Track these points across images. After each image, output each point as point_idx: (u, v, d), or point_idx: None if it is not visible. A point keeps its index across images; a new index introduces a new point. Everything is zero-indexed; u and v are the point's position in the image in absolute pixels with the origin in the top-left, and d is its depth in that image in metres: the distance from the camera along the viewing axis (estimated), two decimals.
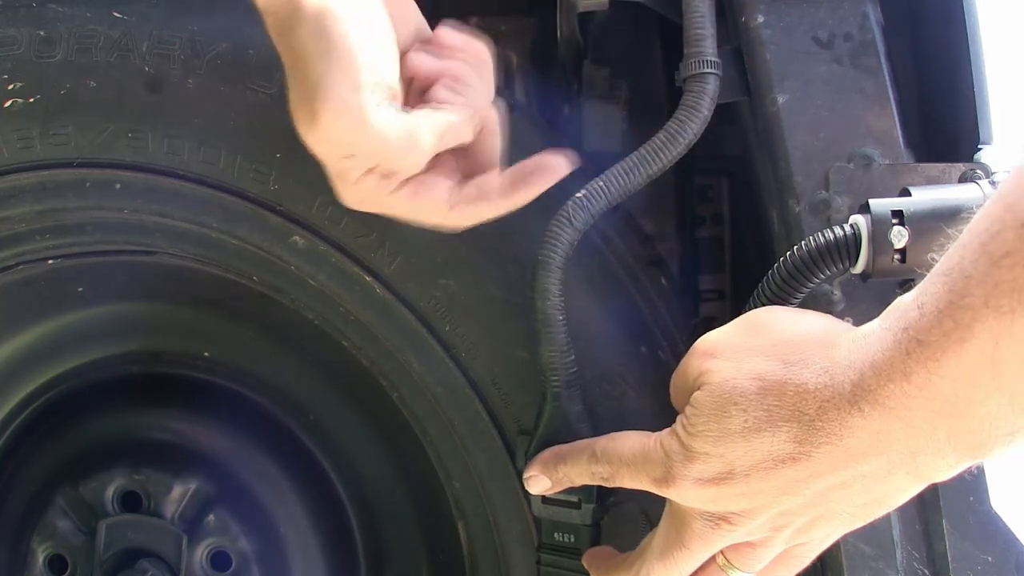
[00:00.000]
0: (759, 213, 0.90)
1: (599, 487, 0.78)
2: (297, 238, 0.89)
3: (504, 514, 0.92)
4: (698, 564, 0.69)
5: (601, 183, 0.79)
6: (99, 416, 1.19)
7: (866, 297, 0.77)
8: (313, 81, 0.65)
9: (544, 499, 0.80)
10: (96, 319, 1.16)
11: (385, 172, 0.70)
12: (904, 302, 0.56)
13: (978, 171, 0.76)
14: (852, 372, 0.57)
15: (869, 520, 0.65)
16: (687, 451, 0.64)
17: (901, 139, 0.79)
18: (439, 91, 0.72)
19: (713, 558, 0.69)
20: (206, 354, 1.18)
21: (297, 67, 0.67)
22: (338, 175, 0.71)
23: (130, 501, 1.11)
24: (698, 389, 0.65)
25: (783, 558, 0.69)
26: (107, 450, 1.15)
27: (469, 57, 0.75)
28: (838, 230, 0.72)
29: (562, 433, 0.79)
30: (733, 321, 0.68)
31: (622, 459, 0.69)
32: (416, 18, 0.76)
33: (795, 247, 0.73)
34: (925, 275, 0.55)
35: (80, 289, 1.12)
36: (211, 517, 1.11)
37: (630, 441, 0.69)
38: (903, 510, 0.79)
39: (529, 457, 0.80)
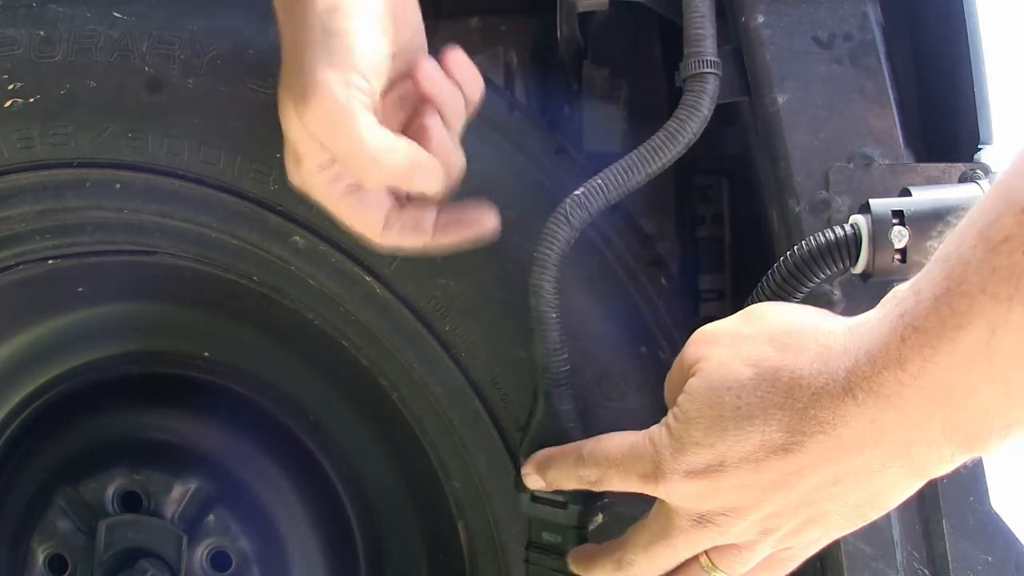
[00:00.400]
0: (759, 213, 0.90)
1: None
2: (297, 238, 0.89)
3: (504, 514, 0.93)
4: (680, 560, 0.68)
5: (600, 181, 0.78)
6: (99, 416, 1.19)
7: (866, 297, 0.77)
8: (308, 65, 0.67)
9: (533, 497, 0.79)
10: (96, 319, 1.16)
11: (340, 172, 0.72)
12: (901, 289, 0.55)
13: (978, 171, 0.76)
14: (847, 359, 0.56)
15: (860, 524, 0.64)
16: (677, 441, 0.63)
17: (901, 139, 0.79)
18: (431, 118, 0.74)
19: (696, 558, 0.68)
20: (206, 354, 1.18)
21: (295, 45, 0.69)
22: (296, 156, 0.72)
23: (130, 501, 1.11)
24: (692, 376, 0.64)
25: (768, 562, 0.68)
26: (107, 450, 1.15)
27: (468, 91, 0.76)
28: (838, 230, 0.72)
29: (552, 432, 0.79)
30: (733, 315, 0.68)
31: (609, 460, 0.68)
32: (416, 21, 0.76)
33: (795, 247, 0.73)
34: None
35: (80, 289, 1.12)
36: (211, 517, 1.11)
37: (617, 440, 0.68)
38: (903, 510, 0.79)
39: (522, 455, 0.79)
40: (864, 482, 0.59)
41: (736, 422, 0.60)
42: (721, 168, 1.08)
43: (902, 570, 0.79)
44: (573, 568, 0.77)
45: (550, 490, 0.76)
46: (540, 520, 0.80)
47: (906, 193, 0.74)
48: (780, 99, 0.80)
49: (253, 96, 0.84)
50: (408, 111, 0.76)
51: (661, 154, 0.78)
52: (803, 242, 0.73)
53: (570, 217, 0.77)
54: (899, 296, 0.55)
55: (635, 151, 0.79)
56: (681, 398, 0.64)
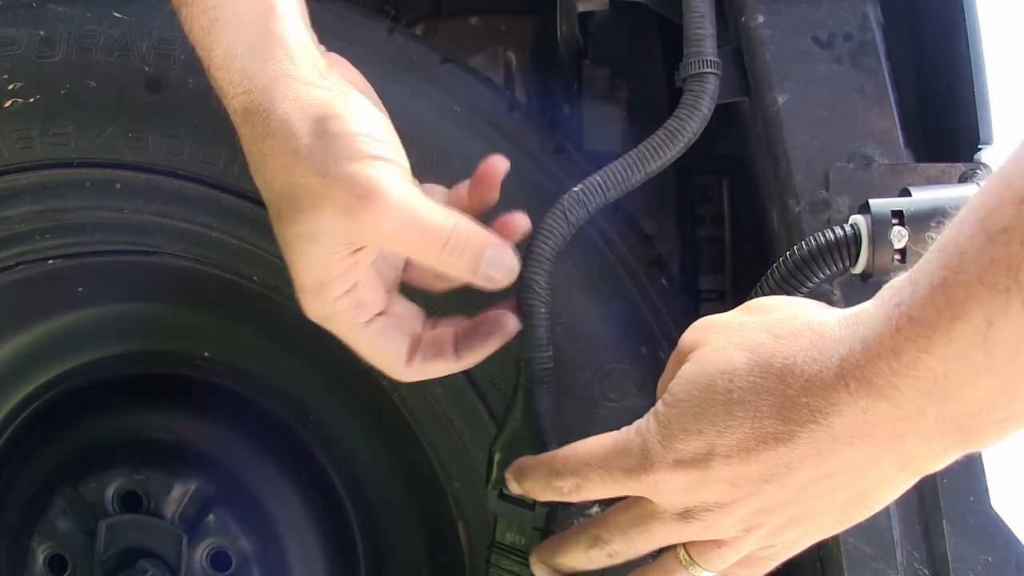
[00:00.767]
0: (759, 213, 0.90)
1: None
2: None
3: None
4: (656, 547, 0.66)
5: (599, 179, 0.78)
6: (99, 416, 1.19)
7: (866, 297, 0.76)
8: (345, 176, 0.65)
9: (501, 494, 0.76)
10: (96, 319, 1.16)
11: (364, 300, 0.70)
12: (898, 279, 0.54)
13: (978, 171, 0.76)
14: (841, 348, 0.55)
15: (846, 525, 0.63)
16: (665, 428, 0.61)
17: (901, 139, 0.79)
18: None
19: (675, 551, 0.66)
20: (206, 354, 1.18)
21: (291, 168, 0.67)
22: (320, 284, 0.69)
23: (130, 501, 1.11)
24: (687, 363, 0.63)
25: (747, 559, 0.66)
26: (107, 450, 1.15)
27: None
28: (838, 230, 0.72)
29: (527, 430, 0.76)
30: (734, 309, 0.67)
31: (588, 463, 0.65)
32: (372, 93, 0.77)
33: (795, 247, 0.73)
34: None
35: (80, 289, 1.12)
36: (211, 517, 1.11)
37: (597, 441, 0.66)
38: (903, 510, 0.79)
39: (495, 451, 0.76)
40: (855, 478, 0.58)
41: (727, 407, 0.59)
42: (721, 168, 1.08)
43: (902, 570, 0.79)
44: (539, 555, 0.74)
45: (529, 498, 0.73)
46: (506, 519, 0.78)
47: (906, 193, 0.74)
48: (780, 99, 0.80)
49: None
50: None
51: (661, 153, 0.78)
52: (803, 242, 0.73)
53: (568, 213, 0.77)
54: (896, 286, 0.54)
55: (635, 150, 0.79)
56: (672, 383, 0.63)
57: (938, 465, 0.57)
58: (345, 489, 1.17)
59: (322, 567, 1.16)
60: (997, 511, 0.77)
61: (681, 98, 0.80)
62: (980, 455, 0.77)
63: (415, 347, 0.74)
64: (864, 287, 0.76)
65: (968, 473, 0.77)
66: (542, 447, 0.75)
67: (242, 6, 0.68)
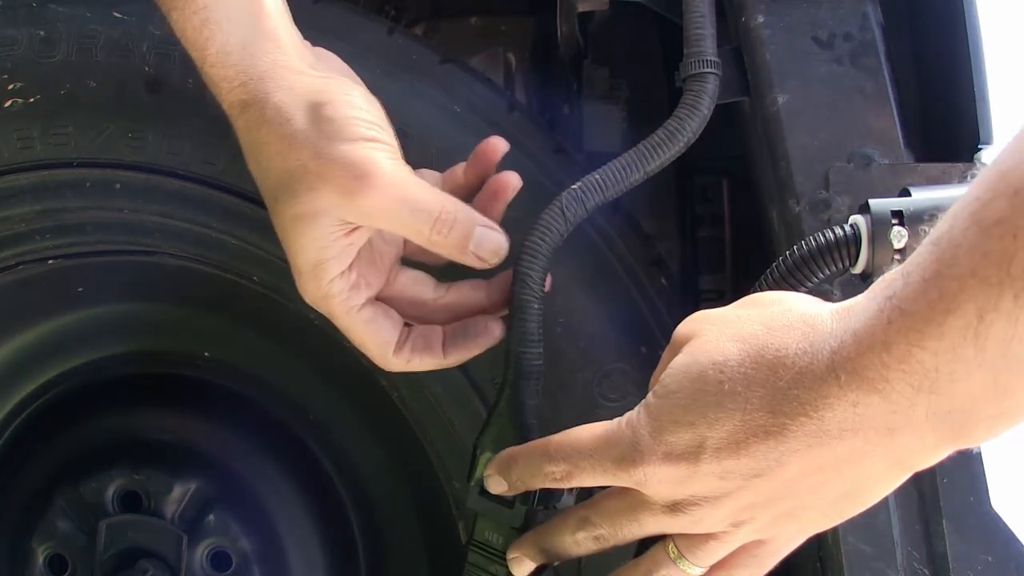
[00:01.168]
0: (759, 213, 0.90)
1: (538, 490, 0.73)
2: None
3: None
4: (644, 536, 0.66)
5: (598, 177, 0.78)
6: (99, 416, 1.19)
7: None
8: (339, 159, 0.69)
9: (481, 491, 0.75)
10: (96, 319, 1.16)
11: (355, 283, 0.73)
12: (891, 273, 0.54)
13: (978, 171, 0.76)
14: (833, 340, 0.55)
15: (839, 520, 0.63)
16: (655, 420, 0.61)
17: (901, 139, 0.80)
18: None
19: (664, 545, 0.65)
20: (206, 354, 1.18)
21: (287, 152, 0.70)
22: (319, 265, 0.72)
23: (130, 501, 1.11)
24: (679, 354, 0.63)
25: (742, 556, 0.65)
26: (107, 450, 1.15)
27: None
28: (838, 230, 0.72)
29: (513, 425, 0.76)
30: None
31: (580, 451, 0.65)
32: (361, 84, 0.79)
33: (795, 246, 0.73)
34: None
35: (80, 289, 1.12)
36: (211, 517, 1.11)
37: (589, 430, 0.66)
38: (903, 510, 0.79)
39: (479, 447, 0.76)
40: (846, 473, 0.58)
41: (717, 398, 0.59)
42: (721, 168, 1.08)
43: (902, 570, 0.79)
44: (523, 540, 0.73)
45: (513, 492, 0.73)
46: (484, 517, 0.77)
47: (906, 193, 0.74)
48: (780, 99, 0.80)
49: None
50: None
51: (660, 152, 0.78)
52: (803, 242, 0.73)
53: (565, 211, 0.77)
54: (888, 279, 0.54)
55: (634, 149, 0.79)
56: (664, 375, 0.63)
57: (930, 461, 0.56)
58: (345, 489, 1.17)
59: (322, 567, 1.16)
60: (997, 511, 0.77)
61: (681, 98, 0.81)
62: (980, 455, 0.77)
63: (405, 338, 0.77)
64: (864, 287, 0.76)
65: (968, 473, 0.77)
66: (524, 436, 0.75)
67: (230, 5, 0.71)
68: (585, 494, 0.70)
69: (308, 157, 0.69)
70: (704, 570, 0.65)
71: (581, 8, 0.95)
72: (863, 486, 0.60)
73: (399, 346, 0.76)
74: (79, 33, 0.86)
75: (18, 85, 0.87)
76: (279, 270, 0.93)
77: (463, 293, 0.79)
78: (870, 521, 0.78)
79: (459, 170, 0.80)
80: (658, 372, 0.65)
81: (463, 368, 0.89)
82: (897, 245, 0.70)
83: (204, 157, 0.87)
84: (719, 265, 1.07)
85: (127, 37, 0.86)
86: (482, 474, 0.75)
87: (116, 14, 0.86)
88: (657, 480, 0.61)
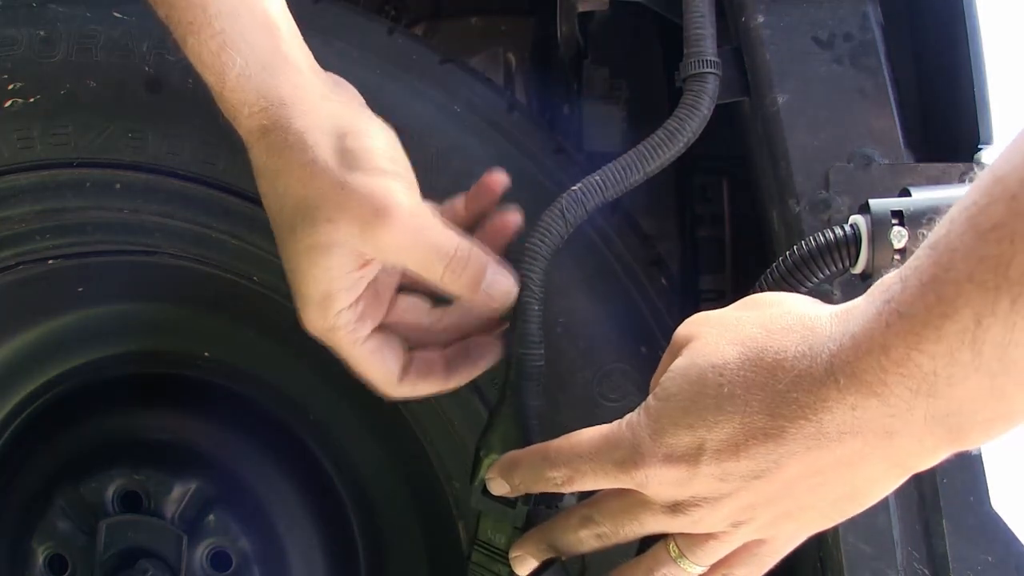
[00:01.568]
0: (759, 213, 0.90)
1: None
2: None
3: None
4: (645, 534, 0.67)
5: (598, 178, 0.78)
6: (99, 416, 1.19)
7: None
8: (361, 191, 0.68)
9: (484, 491, 0.75)
10: (96, 319, 1.16)
11: (361, 315, 0.73)
12: (889, 276, 0.54)
13: (978, 171, 0.76)
14: (831, 344, 0.55)
15: (839, 520, 0.63)
16: (656, 422, 0.61)
17: (901, 139, 0.80)
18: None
19: (665, 544, 0.66)
20: (206, 354, 1.18)
21: (309, 180, 0.70)
22: (327, 297, 0.71)
23: (130, 501, 1.11)
24: (679, 357, 0.63)
25: (743, 556, 0.66)
26: (107, 450, 1.15)
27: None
28: (838, 230, 0.72)
29: (515, 427, 0.76)
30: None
31: (581, 455, 0.65)
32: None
33: (794, 246, 0.73)
34: None
35: (80, 289, 1.12)
36: (211, 517, 1.11)
37: (589, 433, 0.66)
38: (903, 510, 0.79)
39: (482, 449, 0.77)
40: (845, 475, 0.58)
41: (717, 401, 0.59)
42: (721, 168, 1.08)
43: (902, 570, 0.79)
44: (526, 538, 0.73)
45: (515, 494, 0.73)
46: (487, 517, 0.77)
47: (906, 193, 0.74)
48: (780, 99, 0.80)
49: None
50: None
51: (660, 153, 0.78)
52: (803, 241, 0.73)
53: (565, 212, 0.77)
54: (886, 283, 0.54)
55: (634, 149, 0.79)
56: (664, 377, 0.63)
57: (929, 463, 0.57)
58: (345, 489, 1.17)
59: (322, 567, 1.16)
60: (997, 511, 0.77)
61: (681, 98, 0.81)
62: (980, 455, 0.77)
63: (408, 366, 0.77)
64: (864, 287, 0.76)
65: (968, 473, 0.77)
66: (528, 444, 0.75)
67: (247, 29, 0.70)
68: (587, 492, 0.70)
69: (329, 186, 0.69)
70: (704, 569, 0.66)
71: (581, 8, 0.95)
72: (862, 487, 0.60)
73: (403, 375, 0.76)
74: (79, 33, 0.86)
75: (18, 85, 0.87)
76: (279, 270, 0.93)
77: (460, 314, 0.79)
78: (870, 521, 0.78)
79: (459, 203, 0.79)
80: (658, 374, 0.65)
81: None
82: (897, 245, 0.70)
83: (204, 157, 0.87)
84: (719, 265, 1.07)
85: (127, 37, 0.86)
86: (485, 475, 0.75)
87: (116, 14, 0.86)
88: (657, 482, 0.62)
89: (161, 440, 1.16)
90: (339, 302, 0.71)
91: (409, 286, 0.79)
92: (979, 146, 0.79)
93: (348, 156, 0.69)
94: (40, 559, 1.12)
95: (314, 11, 0.88)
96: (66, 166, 0.90)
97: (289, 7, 0.74)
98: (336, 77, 0.77)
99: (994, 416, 0.51)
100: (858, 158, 0.79)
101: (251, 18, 0.71)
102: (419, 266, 0.71)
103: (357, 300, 0.72)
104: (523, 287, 0.76)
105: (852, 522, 0.74)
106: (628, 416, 0.64)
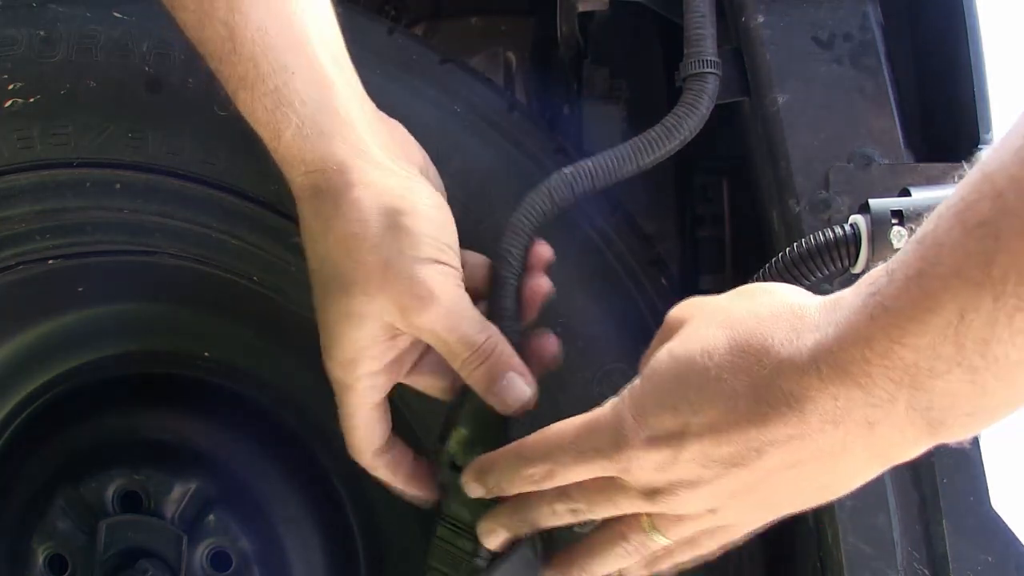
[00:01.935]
0: (759, 213, 0.90)
1: None
2: (297, 238, 0.89)
3: None
4: (619, 513, 0.66)
5: (590, 164, 0.77)
6: (99, 416, 1.19)
7: None
8: (405, 270, 0.69)
9: (452, 465, 0.75)
10: (96, 319, 1.16)
11: (380, 383, 0.74)
12: (876, 269, 0.55)
13: (967, 168, 0.76)
14: (817, 333, 0.55)
15: (808, 507, 0.63)
16: (639, 405, 0.61)
17: (901, 139, 0.80)
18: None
19: (638, 517, 0.66)
20: (206, 354, 1.18)
21: (354, 250, 0.70)
22: (350, 361, 0.72)
23: (130, 501, 1.11)
24: (670, 340, 0.63)
25: (703, 534, 0.66)
26: (107, 450, 1.15)
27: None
28: (838, 229, 0.72)
29: (483, 410, 0.75)
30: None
31: (560, 445, 0.65)
32: (426, 159, 0.80)
33: (794, 244, 0.73)
34: None
35: (80, 289, 1.12)
36: (211, 517, 1.11)
37: (566, 423, 0.66)
38: (903, 510, 0.79)
39: (455, 426, 0.76)
40: (825, 466, 0.58)
41: (702, 383, 0.59)
42: (721, 168, 1.08)
43: (902, 570, 0.79)
44: (498, 510, 0.72)
45: (492, 496, 0.71)
46: (455, 492, 0.75)
47: (906, 193, 0.74)
48: (780, 99, 0.80)
49: None
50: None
51: (655, 147, 0.78)
52: (802, 240, 0.73)
53: (553, 192, 0.76)
54: (873, 275, 0.54)
55: (630, 141, 0.78)
56: (653, 359, 0.63)
57: (910, 454, 0.57)
58: (345, 489, 1.17)
59: (322, 567, 1.16)
60: (997, 511, 0.77)
61: (680, 97, 0.81)
62: (980, 455, 0.77)
63: (391, 446, 0.78)
64: None
65: (968, 473, 0.77)
66: (498, 416, 0.75)
67: (302, 87, 0.69)
68: None
69: (375, 264, 0.69)
70: (671, 542, 0.66)
71: (581, 8, 0.95)
72: (841, 478, 0.60)
73: (384, 450, 0.77)
74: (79, 33, 0.86)
75: (18, 85, 0.87)
76: (279, 270, 0.93)
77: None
78: (870, 521, 0.78)
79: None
80: (647, 357, 0.65)
81: None
82: (897, 245, 0.70)
83: (204, 157, 0.87)
84: (719, 265, 1.07)
85: (127, 37, 0.86)
86: (455, 450, 0.75)
87: (116, 14, 0.86)
88: (639, 466, 0.62)
89: (161, 440, 1.16)
90: (363, 368, 0.73)
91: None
92: (979, 146, 0.79)
93: (401, 238, 0.69)
94: (40, 559, 1.12)
95: None
96: (66, 166, 0.90)
97: None
98: (393, 124, 0.77)
99: (975, 410, 0.52)
100: (858, 158, 0.79)
101: (308, 73, 0.70)
102: (445, 351, 0.72)
103: (382, 367, 0.74)
104: (502, 261, 0.75)
105: (852, 522, 0.74)
106: (611, 400, 0.64)
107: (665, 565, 0.69)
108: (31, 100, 0.87)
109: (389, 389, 0.76)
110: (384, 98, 0.75)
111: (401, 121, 0.78)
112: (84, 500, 1.12)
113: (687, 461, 0.60)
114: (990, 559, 0.78)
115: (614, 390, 0.65)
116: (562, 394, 0.86)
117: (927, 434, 0.54)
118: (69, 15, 0.87)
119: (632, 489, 0.63)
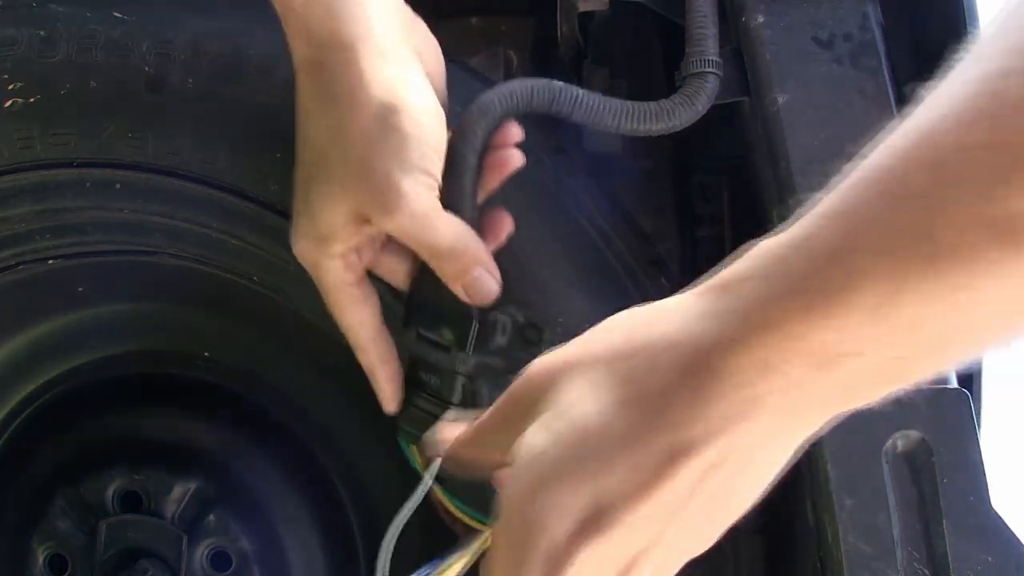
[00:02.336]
0: (759, 213, 0.90)
1: (476, 329, 0.75)
2: None
3: None
4: None
5: (579, 92, 0.76)
6: (99, 416, 1.19)
7: None
8: (379, 170, 0.70)
9: (418, 335, 0.77)
10: (96, 319, 1.16)
11: (352, 261, 0.75)
12: (770, 245, 0.48)
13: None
14: (711, 322, 0.49)
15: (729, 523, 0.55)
16: (528, 504, 0.52)
17: None
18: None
19: None
20: (206, 354, 1.18)
21: (343, 141, 0.71)
22: (323, 238, 0.74)
23: (130, 501, 1.11)
24: (540, 417, 0.54)
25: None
26: (107, 450, 1.15)
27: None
28: None
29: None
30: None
31: None
32: (442, 67, 0.80)
33: None
34: None
35: (80, 289, 1.12)
36: (211, 517, 1.11)
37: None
38: (903, 510, 0.79)
39: (408, 303, 0.78)
40: (749, 467, 0.51)
41: (598, 452, 0.51)
42: (720, 168, 1.08)
43: (902, 570, 0.79)
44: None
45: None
46: (422, 360, 0.79)
47: None
48: (780, 99, 0.80)
49: (254, 96, 0.84)
50: None
51: (639, 119, 0.77)
52: None
53: (534, 90, 0.75)
54: (775, 253, 0.48)
55: (621, 100, 0.78)
56: (522, 450, 0.54)
57: (818, 431, 0.51)
58: (345, 489, 1.17)
59: (322, 567, 1.16)
60: (997, 511, 0.77)
61: (679, 90, 0.80)
62: (980, 455, 0.77)
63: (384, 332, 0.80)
64: None
65: (968, 473, 0.77)
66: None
67: None
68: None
69: (357, 160, 0.70)
70: None
71: (581, 8, 0.95)
72: (764, 473, 0.53)
73: (381, 331, 0.79)
74: (79, 33, 0.86)
75: (18, 85, 0.87)
76: (279, 270, 0.93)
77: None
78: (870, 521, 0.78)
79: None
80: (501, 447, 0.58)
81: None
82: None
83: (204, 157, 0.87)
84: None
85: (127, 37, 0.86)
86: (418, 318, 0.77)
87: (116, 14, 0.86)
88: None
89: (161, 440, 1.16)
90: (336, 246, 0.74)
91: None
92: None
93: (387, 136, 0.70)
94: (40, 559, 1.12)
95: None
96: (66, 166, 0.90)
97: None
98: (414, 18, 0.77)
99: (893, 382, 0.48)
100: (858, 158, 0.79)
101: None
102: (415, 247, 0.74)
103: (353, 248, 0.75)
104: (464, 139, 0.74)
105: (852, 522, 0.74)
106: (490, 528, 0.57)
107: None
108: (31, 100, 0.87)
109: (362, 271, 0.77)
110: None
111: None
112: (84, 500, 1.12)
113: (617, 538, 0.51)
114: (990, 559, 0.78)
115: None
116: None
117: (840, 407, 0.50)
118: (69, 15, 0.87)
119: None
